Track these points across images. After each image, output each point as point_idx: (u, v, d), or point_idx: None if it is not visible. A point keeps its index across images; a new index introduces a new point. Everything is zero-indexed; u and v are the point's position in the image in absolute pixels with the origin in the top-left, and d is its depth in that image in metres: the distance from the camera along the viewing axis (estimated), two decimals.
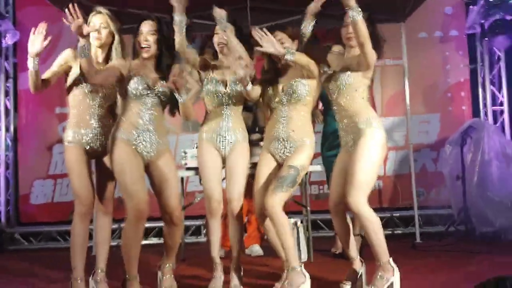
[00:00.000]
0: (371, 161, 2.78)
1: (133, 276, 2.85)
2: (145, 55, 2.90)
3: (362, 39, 2.66)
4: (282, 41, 2.99)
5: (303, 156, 2.97)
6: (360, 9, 2.60)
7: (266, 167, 3.08)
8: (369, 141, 2.80)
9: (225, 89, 3.12)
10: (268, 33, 2.84)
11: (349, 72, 2.85)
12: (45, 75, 2.90)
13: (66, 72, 2.98)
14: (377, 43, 2.82)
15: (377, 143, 2.81)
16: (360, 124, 2.82)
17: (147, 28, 2.91)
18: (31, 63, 2.77)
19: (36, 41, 2.74)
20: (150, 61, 2.95)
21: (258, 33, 2.83)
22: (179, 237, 3.09)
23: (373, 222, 2.77)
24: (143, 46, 2.89)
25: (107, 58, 3.02)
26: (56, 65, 2.96)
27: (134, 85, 2.84)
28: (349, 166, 2.80)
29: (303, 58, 2.89)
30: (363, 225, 2.81)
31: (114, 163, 2.81)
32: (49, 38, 2.76)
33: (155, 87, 2.88)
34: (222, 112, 3.14)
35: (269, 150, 3.08)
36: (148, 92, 2.86)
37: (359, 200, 2.74)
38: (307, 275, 2.87)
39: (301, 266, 2.87)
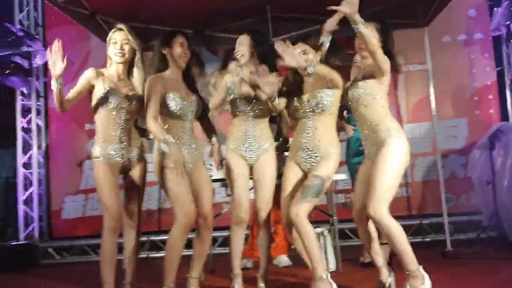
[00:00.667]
0: (391, 171, 2.76)
1: (169, 284, 2.94)
2: (183, 65, 3.07)
3: (372, 48, 2.68)
4: (306, 52, 3.00)
5: (329, 166, 2.97)
6: (364, 22, 2.64)
7: (292, 177, 3.09)
8: (389, 151, 2.78)
9: (251, 101, 3.14)
10: (290, 45, 2.86)
11: (365, 81, 2.86)
12: (69, 95, 2.97)
13: (90, 91, 3.02)
14: (390, 52, 2.84)
15: (398, 152, 2.79)
16: (380, 134, 2.82)
17: (184, 41, 3.06)
18: (54, 85, 2.84)
19: (56, 62, 2.80)
20: (180, 73, 3.10)
21: (280, 46, 2.84)
22: (209, 243, 3.20)
23: (395, 231, 2.73)
24: (184, 57, 3.05)
25: (129, 74, 3.09)
26: (79, 85, 3.00)
27: (172, 103, 2.98)
28: (371, 176, 2.79)
29: (324, 70, 2.90)
30: (386, 234, 2.77)
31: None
32: (65, 58, 2.82)
33: (190, 101, 3.05)
34: (249, 122, 3.16)
35: (295, 160, 3.08)
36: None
37: (380, 210, 2.71)
38: (334, 284, 2.85)
39: (327, 275, 2.86)
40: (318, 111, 3.01)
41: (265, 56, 3.12)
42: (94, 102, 3.01)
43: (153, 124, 2.94)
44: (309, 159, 3.02)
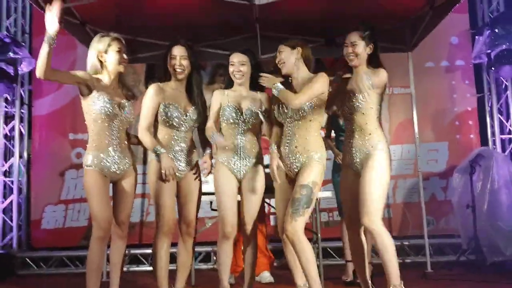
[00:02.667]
0: (381, 182, 2.84)
1: None
2: (180, 76, 3.07)
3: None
4: (280, 50, 3.07)
5: (313, 171, 2.95)
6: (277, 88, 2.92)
7: (281, 182, 3.07)
8: (377, 164, 2.86)
9: (241, 115, 3.12)
10: (266, 75, 3.03)
11: (364, 91, 2.89)
12: (61, 70, 2.88)
13: (81, 92, 2.92)
14: (378, 58, 3.00)
15: (385, 166, 2.88)
16: (370, 142, 2.88)
17: (180, 52, 3.06)
18: (45, 45, 2.57)
19: (54, 20, 2.55)
20: (182, 85, 3.11)
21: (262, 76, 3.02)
22: (191, 252, 3.22)
23: (388, 242, 2.80)
24: (178, 69, 3.04)
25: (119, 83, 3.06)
26: (73, 73, 2.87)
27: (169, 113, 3.02)
28: (361, 188, 2.84)
29: (284, 95, 2.94)
30: (379, 244, 2.80)
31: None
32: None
33: (186, 113, 3.07)
34: (238, 137, 3.14)
35: (281, 166, 3.06)
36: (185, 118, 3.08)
37: (375, 220, 2.79)
38: None
39: None
40: (297, 117, 3.01)
41: (255, 73, 3.14)
42: (85, 108, 2.94)
43: (144, 134, 3.00)
44: (291, 164, 3.02)
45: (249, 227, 3.13)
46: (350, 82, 3.01)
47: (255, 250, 3.20)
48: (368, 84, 2.87)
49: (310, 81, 2.98)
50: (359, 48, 2.93)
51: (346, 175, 3.04)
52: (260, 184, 3.15)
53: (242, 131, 3.14)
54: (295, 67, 3.07)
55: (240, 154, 3.12)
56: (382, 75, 2.91)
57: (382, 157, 2.88)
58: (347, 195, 3.03)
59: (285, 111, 3.04)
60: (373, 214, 2.79)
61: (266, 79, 3.01)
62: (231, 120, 3.11)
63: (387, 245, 2.80)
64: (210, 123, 3.13)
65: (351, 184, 2.97)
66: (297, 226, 2.84)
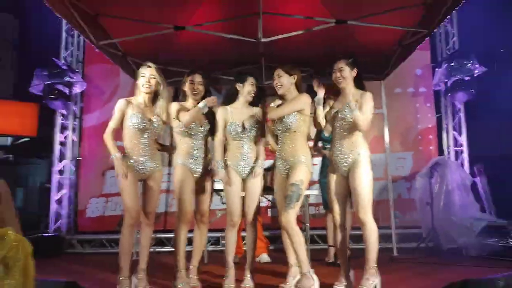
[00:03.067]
0: (369, 183, 2.85)
1: (180, 268, 2.98)
2: (197, 98, 3.13)
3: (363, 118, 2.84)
4: (279, 75, 3.05)
5: (301, 171, 2.95)
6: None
7: (277, 181, 3.11)
8: (365, 168, 2.85)
9: (243, 130, 3.11)
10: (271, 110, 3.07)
11: (353, 110, 2.86)
12: (113, 125, 2.98)
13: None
14: (361, 80, 3.00)
15: (369, 169, 2.88)
16: (357, 151, 2.87)
17: (199, 79, 3.14)
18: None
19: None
20: (196, 103, 3.14)
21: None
22: (205, 235, 3.28)
23: (375, 233, 2.83)
24: (195, 93, 3.13)
25: (153, 102, 3.08)
26: (117, 115, 2.98)
27: (192, 125, 3.08)
28: (353, 188, 2.85)
29: (274, 113, 3.01)
30: (368, 234, 2.83)
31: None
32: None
33: (201, 125, 3.14)
34: (241, 146, 3.13)
35: (277, 169, 3.11)
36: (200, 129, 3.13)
37: (367, 214, 2.82)
38: (316, 277, 2.85)
39: (310, 271, 2.85)
40: (285, 129, 3.02)
41: (258, 96, 3.19)
42: (124, 123, 2.98)
43: (108, 136, 2.99)
44: (283, 167, 3.04)
45: (250, 217, 3.12)
46: (338, 102, 3.02)
47: (255, 235, 3.19)
48: (354, 105, 2.86)
49: (298, 102, 3.00)
50: (345, 72, 2.94)
51: (334, 179, 3.00)
52: (259, 183, 3.13)
53: (246, 141, 3.13)
54: (289, 90, 3.07)
55: (243, 159, 3.11)
56: (367, 98, 2.89)
57: (366, 162, 2.87)
58: (336, 195, 2.99)
59: (277, 125, 3.07)
60: (365, 210, 2.81)
61: (271, 113, 3.06)
62: (236, 135, 3.11)
63: (374, 236, 2.83)
64: (219, 139, 3.13)
65: (339, 186, 2.97)
66: (289, 216, 2.86)
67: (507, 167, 5.07)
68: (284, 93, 3.08)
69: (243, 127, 3.09)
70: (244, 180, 3.14)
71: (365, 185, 2.82)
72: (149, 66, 3.03)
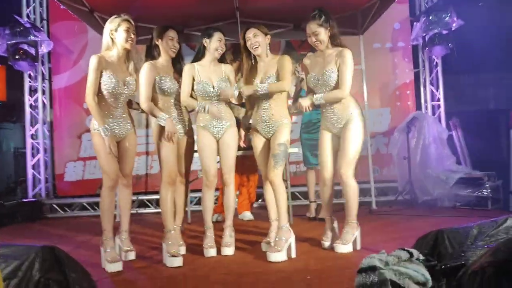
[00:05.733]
0: (357, 142, 2.91)
1: (169, 229, 2.94)
2: (173, 55, 3.02)
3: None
4: (255, 34, 2.96)
5: (286, 133, 2.98)
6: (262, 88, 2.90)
7: (259, 142, 3.08)
8: (355, 127, 2.90)
9: (213, 89, 3.00)
10: (244, 87, 3.00)
11: (334, 72, 2.89)
12: (94, 87, 2.73)
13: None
14: (336, 35, 2.96)
15: (360, 128, 2.93)
16: (349, 110, 2.91)
17: (175, 35, 3.02)
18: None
19: None
20: (170, 60, 3.05)
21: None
22: (185, 195, 3.27)
23: (354, 189, 2.93)
24: (173, 49, 3.00)
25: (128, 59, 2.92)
26: (95, 74, 2.73)
27: (165, 84, 2.95)
28: (342, 145, 2.91)
29: (274, 88, 2.93)
30: (347, 191, 2.93)
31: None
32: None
33: (178, 83, 3.03)
34: (213, 105, 3.01)
35: (257, 130, 3.07)
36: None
37: (349, 172, 2.90)
38: (292, 231, 2.91)
39: (288, 225, 2.91)
40: (268, 94, 2.96)
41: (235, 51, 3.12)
42: (100, 86, 2.78)
43: (147, 105, 2.90)
44: (267, 128, 3.01)
45: (227, 176, 3.06)
46: (316, 66, 2.98)
47: (232, 194, 3.12)
48: (334, 65, 2.88)
49: (277, 63, 2.94)
50: (320, 35, 2.90)
51: (325, 137, 3.02)
52: (234, 142, 3.07)
53: (216, 101, 3.03)
54: (266, 50, 3.00)
55: (216, 119, 3.01)
56: (346, 59, 2.86)
57: (358, 123, 2.90)
58: (327, 153, 3.01)
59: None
60: (348, 167, 2.88)
61: (246, 90, 2.96)
62: (206, 94, 3.00)
63: (354, 192, 2.92)
64: (186, 95, 2.99)
65: (330, 144, 3.00)
66: (278, 173, 2.90)
67: (482, 121, 5.19)
68: (261, 54, 3.00)
69: (212, 87, 2.99)
70: (218, 141, 3.07)
71: (354, 144, 2.88)
72: (128, 19, 2.81)
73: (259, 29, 2.98)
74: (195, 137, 3.17)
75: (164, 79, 2.95)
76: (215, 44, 3.00)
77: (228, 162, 3.06)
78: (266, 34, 2.99)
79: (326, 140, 3.02)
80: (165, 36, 2.99)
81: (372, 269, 1.76)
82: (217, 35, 3.01)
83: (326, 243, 3.04)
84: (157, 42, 3.01)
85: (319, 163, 3.10)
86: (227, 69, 3.09)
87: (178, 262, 2.75)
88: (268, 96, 2.97)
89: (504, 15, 5.67)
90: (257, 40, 2.96)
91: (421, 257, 1.93)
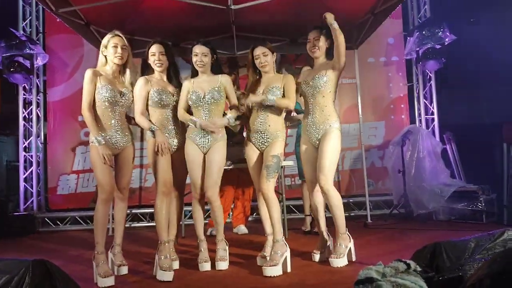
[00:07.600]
0: (334, 152, 2.93)
1: (163, 240, 2.87)
2: (158, 69, 2.98)
3: (342, 47, 2.88)
4: (265, 53, 2.99)
5: (280, 146, 2.99)
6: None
7: (252, 154, 3.06)
8: (333, 138, 2.94)
9: (203, 97, 2.97)
10: (252, 99, 2.99)
11: (325, 76, 2.96)
12: (89, 99, 2.76)
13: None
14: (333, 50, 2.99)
15: (338, 139, 2.96)
16: (328, 122, 2.95)
17: (160, 49, 2.96)
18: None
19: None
20: (163, 74, 3.02)
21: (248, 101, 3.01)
22: (181, 208, 3.22)
23: (337, 199, 2.91)
24: (157, 63, 2.95)
25: (121, 73, 2.93)
26: (90, 87, 2.76)
27: (159, 96, 2.92)
28: (319, 157, 2.92)
29: (280, 103, 2.95)
30: (330, 201, 2.90)
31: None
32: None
33: (172, 95, 2.99)
34: (200, 115, 2.99)
35: (251, 140, 3.06)
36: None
37: (328, 182, 2.88)
38: (287, 245, 2.87)
39: (283, 239, 2.88)
40: (265, 106, 2.98)
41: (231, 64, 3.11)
42: (96, 97, 2.79)
43: (139, 118, 2.91)
44: (261, 139, 3.01)
45: (209, 193, 2.93)
46: (312, 72, 3.06)
47: (219, 210, 3.02)
48: (325, 72, 2.94)
49: (281, 80, 2.99)
50: (319, 42, 3.01)
51: (306, 149, 3.07)
52: (221, 156, 2.99)
53: (206, 111, 2.99)
54: (273, 68, 3.07)
55: (204, 131, 2.97)
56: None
57: (336, 134, 2.94)
58: (308, 164, 3.07)
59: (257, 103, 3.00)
60: (326, 177, 2.87)
61: (254, 98, 2.97)
62: (195, 103, 2.98)
63: (337, 202, 2.90)
64: (182, 110, 2.97)
65: (310, 156, 3.03)
66: (270, 185, 2.89)
67: (476, 134, 5.21)
68: (268, 71, 3.04)
69: (203, 96, 2.96)
70: (205, 155, 3.01)
71: (330, 155, 2.89)
72: (117, 35, 2.85)
73: (267, 47, 3.02)
74: None
75: (158, 91, 2.93)
76: (193, 59, 3.02)
77: (211, 179, 2.95)
78: (273, 52, 3.05)
79: (304, 153, 3.08)
80: (149, 53, 2.98)
81: (369, 280, 1.74)
82: (194, 51, 3.00)
83: (317, 256, 3.04)
84: (147, 60, 3.02)
85: (305, 177, 3.10)
86: (224, 79, 3.05)
87: (168, 276, 2.70)
88: (269, 108, 2.99)
89: (498, 29, 5.74)
90: (266, 59, 2.99)
91: (419, 269, 1.91)
